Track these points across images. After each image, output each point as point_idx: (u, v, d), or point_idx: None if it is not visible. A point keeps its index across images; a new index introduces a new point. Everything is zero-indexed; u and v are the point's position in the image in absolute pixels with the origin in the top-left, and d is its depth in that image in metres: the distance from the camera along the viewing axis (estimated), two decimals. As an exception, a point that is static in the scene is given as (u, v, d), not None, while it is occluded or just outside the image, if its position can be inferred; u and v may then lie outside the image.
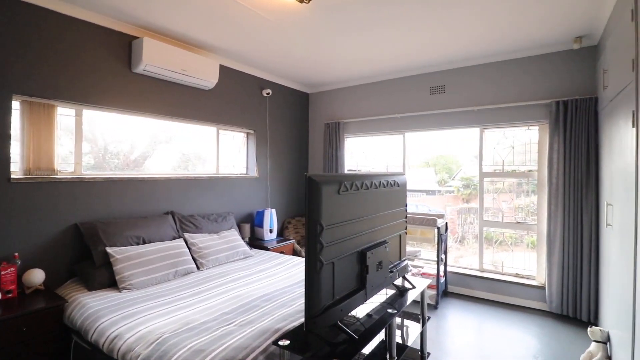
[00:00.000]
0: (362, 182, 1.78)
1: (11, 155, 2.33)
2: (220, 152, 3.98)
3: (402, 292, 2.17)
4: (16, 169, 2.42)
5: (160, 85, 3.23)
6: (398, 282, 2.23)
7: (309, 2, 2.35)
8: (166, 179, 3.28)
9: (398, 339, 2.16)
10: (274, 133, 4.55)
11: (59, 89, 2.57)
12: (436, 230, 3.66)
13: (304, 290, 2.36)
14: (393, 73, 4.30)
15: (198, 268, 2.91)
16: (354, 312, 1.74)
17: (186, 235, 3.11)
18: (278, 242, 4.07)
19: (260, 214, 4.07)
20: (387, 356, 1.84)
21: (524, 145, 3.77)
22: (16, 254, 2.28)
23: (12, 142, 2.33)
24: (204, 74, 3.34)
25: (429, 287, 3.40)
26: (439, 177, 7.04)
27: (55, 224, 2.54)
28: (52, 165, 2.55)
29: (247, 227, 3.94)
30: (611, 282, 2.47)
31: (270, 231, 4.08)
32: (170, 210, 3.28)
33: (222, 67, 3.70)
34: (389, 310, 1.87)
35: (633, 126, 1.83)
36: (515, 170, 3.81)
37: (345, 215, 1.63)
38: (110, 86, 2.87)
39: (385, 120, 4.44)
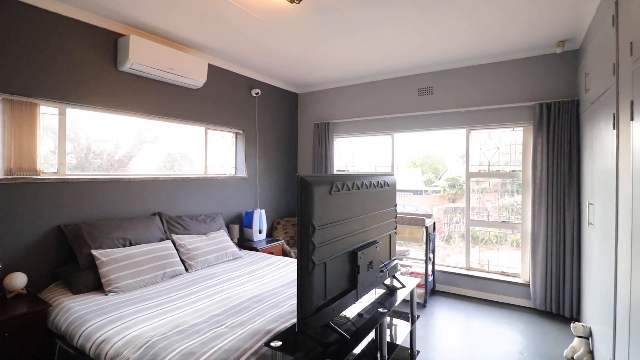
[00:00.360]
0: (353, 183, 1.79)
1: (-9, 155, 2.26)
2: (209, 153, 3.94)
3: (392, 291, 2.19)
4: (-4, 170, 2.35)
5: (147, 84, 3.17)
6: (388, 281, 2.26)
7: (299, 2, 2.34)
8: (153, 179, 3.23)
9: (388, 338, 2.18)
10: (263, 133, 4.53)
11: (42, 87, 2.50)
12: (424, 229, 3.70)
13: (294, 291, 2.37)
14: (382, 74, 4.33)
15: (187, 270, 2.88)
16: (344, 312, 1.75)
17: (174, 236, 3.07)
18: (267, 242, 4.05)
19: (250, 215, 4.05)
20: (378, 355, 1.85)
21: (508, 146, 3.86)
22: (-4, 257, 2.21)
23: (-8, 141, 2.26)
24: (192, 73, 3.30)
25: (418, 286, 3.43)
26: (425, 177, 7.13)
27: (37, 226, 2.47)
28: (34, 166, 2.48)
29: (236, 228, 3.91)
30: (592, 279, 2.55)
31: (260, 232, 4.06)
32: (157, 211, 3.23)
33: (210, 67, 3.66)
34: (380, 310, 1.89)
35: (614, 128, 1.90)
36: (499, 171, 3.89)
37: (336, 216, 1.64)
38: (95, 84, 2.80)
39: (374, 121, 4.48)
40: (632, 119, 1.63)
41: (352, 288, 1.73)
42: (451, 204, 6.17)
